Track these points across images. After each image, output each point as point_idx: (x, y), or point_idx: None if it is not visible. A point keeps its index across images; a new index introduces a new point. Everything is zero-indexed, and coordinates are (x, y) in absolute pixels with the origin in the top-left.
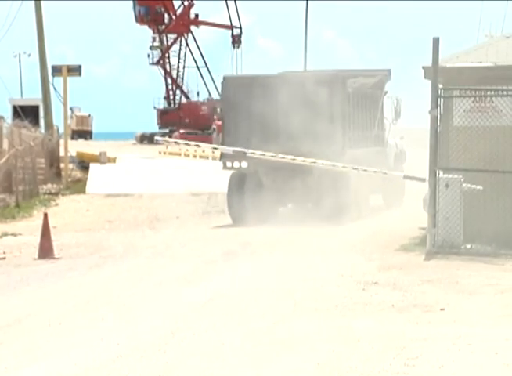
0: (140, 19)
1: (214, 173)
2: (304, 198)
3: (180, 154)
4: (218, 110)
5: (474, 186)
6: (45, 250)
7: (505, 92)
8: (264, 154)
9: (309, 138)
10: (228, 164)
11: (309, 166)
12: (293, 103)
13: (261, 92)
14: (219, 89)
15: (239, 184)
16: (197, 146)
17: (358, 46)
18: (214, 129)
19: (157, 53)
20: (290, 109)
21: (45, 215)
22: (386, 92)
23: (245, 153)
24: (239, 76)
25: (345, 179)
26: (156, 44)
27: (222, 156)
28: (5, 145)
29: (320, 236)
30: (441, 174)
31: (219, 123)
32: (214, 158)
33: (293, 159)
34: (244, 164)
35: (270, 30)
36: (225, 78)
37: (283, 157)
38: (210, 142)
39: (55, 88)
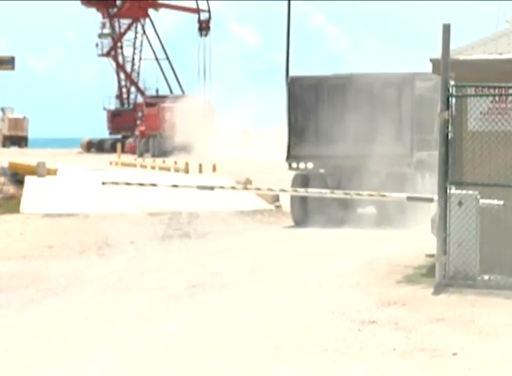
0: (87, 0)
1: (176, 188)
2: (368, 201)
3: (135, 165)
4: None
5: (493, 202)
6: None
7: None
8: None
9: (377, 140)
10: (294, 165)
11: (376, 167)
12: (362, 104)
13: (328, 92)
14: (182, 86)
15: (302, 185)
16: (154, 185)
17: (352, 34)
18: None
19: (108, 42)
20: (358, 110)
21: None
22: None
23: (212, 188)
24: (306, 76)
25: (411, 182)
26: (107, 31)
27: (289, 157)
28: None
29: (307, 264)
30: (452, 189)
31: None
32: (176, 170)
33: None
34: (310, 165)
35: (245, 15)
36: (291, 78)
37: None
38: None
39: None
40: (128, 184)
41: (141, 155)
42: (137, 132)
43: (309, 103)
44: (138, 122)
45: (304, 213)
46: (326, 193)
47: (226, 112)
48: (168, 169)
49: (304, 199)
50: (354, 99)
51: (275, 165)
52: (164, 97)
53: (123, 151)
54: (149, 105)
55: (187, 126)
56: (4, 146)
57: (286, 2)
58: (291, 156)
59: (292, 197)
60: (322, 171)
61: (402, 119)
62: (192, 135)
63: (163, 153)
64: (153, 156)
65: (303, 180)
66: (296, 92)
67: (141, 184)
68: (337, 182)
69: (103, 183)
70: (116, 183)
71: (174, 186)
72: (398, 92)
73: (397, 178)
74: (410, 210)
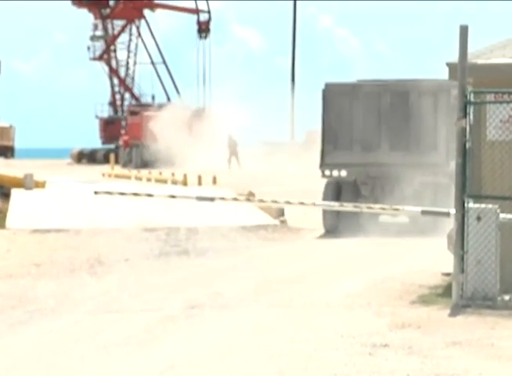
0: (78, 0)
1: (174, 200)
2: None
3: (130, 177)
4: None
5: None
6: None
7: None
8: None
9: (412, 148)
10: (327, 172)
11: (411, 176)
12: (397, 111)
13: (363, 99)
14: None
15: (334, 193)
16: (149, 195)
17: (362, 36)
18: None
19: (100, 45)
20: (393, 118)
21: None
22: None
23: (212, 199)
24: (342, 83)
25: (446, 191)
26: (99, 33)
27: (322, 164)
28: None
29: (315, 283)
30: (470, 203)
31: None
32: (173, 182)
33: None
34: (343, 173)
35: (248, 16)
36: (326, 85)
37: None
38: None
39: None
40: (121, 194)
41: (125, 166)
42: (120, 142)
43: (344, 110)
44: (123, 131)
45: (335, 221)
46: (334, 205)
47: (226, 119)
48: (165, 181)
49: (335, 211)
50: (389, 106)
51: (275, 177)
52: (149, 106)
53: (116, 162)
54: (132, 113)
55: (171, 136)
56: None
57: (292, 3)
58: (325, 163)
59: (323, 213)
60: (355, 179)
61: (438, 127)
62: (176, 145)
63: (144, 163)
64: (136, 167)
65: (335, 188)
66: (331, 99)
67: (136, 194)
68: (370, 191)
69: (96, 193)
70: (109, 193)
71: (172, 196)
72: (433, 99)
73: (431, 187)
74: (442, 219)
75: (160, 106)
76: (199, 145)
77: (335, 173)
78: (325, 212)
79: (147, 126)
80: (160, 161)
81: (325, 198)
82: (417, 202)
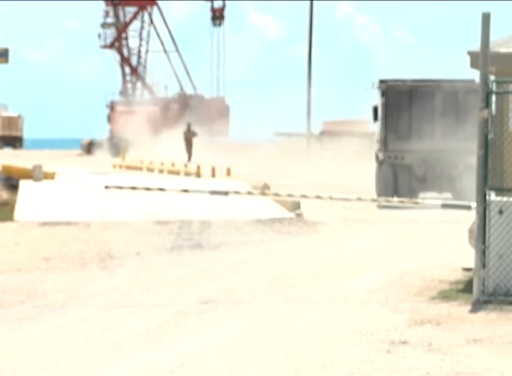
0: None
1: (187, 194)
2: (447, 187)
3: (141, 168)
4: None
5: None
6: None
7: None
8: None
9: (460, 137)
10: (389, 157)
11: (457, 159)
12: (447, 107)
13: (419, 96)
14: (191, 84)
15: (392, 175)
16: (162, 190)
17: (383, 24)
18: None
19: (111, 33)
20: (443, 112)
21: None
22: None
23: (226, 193)
24: (399, 84)
25: None
26: (110, 20)
27: (386, 150)
28: None
29: (332, 278)
30: (492, 196)
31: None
32: (186, 174)
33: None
34: (403, 158)
35: (266, 3)
36: (387, 85)
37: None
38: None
39: None
40: (133, 188)
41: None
42: (107, 134)
43: (403, 106)
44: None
45: (392, 196)
46: (351, 199)
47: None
48: (178, 173)
49: (394, 184)
50: (441, 102)
51: (290, 170)
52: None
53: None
54: (112, 108)
55: (136, 127)
56: None
57: None
58: (388, 149)
59: (379, 188)
60: (411, 162)
61: None
62: (140, 135)
63: (116, 152)
64: (113, 155)
65: (392, 171)
66: (391, 96)
67: (147, 189)
68: (423, 172)
69: (106, 187)
70: (120, 187)
71: (185, 190)
72: (477, 97)
73: (473, 168)
74: None
75: (131, 102)
76: (164, 135)
77: (395, 158)
78: (379, 191)
79: (118, 119)
80: (130, 150)
81: (385, 180)
82: (462, 181)
